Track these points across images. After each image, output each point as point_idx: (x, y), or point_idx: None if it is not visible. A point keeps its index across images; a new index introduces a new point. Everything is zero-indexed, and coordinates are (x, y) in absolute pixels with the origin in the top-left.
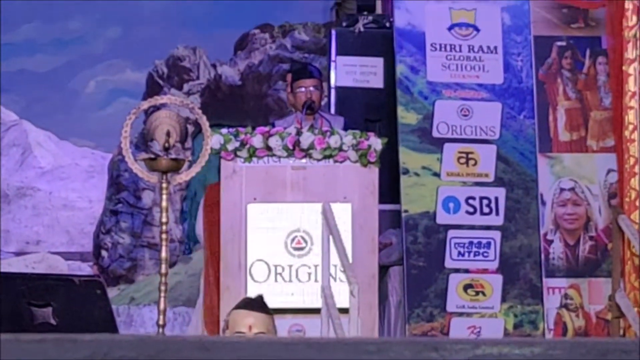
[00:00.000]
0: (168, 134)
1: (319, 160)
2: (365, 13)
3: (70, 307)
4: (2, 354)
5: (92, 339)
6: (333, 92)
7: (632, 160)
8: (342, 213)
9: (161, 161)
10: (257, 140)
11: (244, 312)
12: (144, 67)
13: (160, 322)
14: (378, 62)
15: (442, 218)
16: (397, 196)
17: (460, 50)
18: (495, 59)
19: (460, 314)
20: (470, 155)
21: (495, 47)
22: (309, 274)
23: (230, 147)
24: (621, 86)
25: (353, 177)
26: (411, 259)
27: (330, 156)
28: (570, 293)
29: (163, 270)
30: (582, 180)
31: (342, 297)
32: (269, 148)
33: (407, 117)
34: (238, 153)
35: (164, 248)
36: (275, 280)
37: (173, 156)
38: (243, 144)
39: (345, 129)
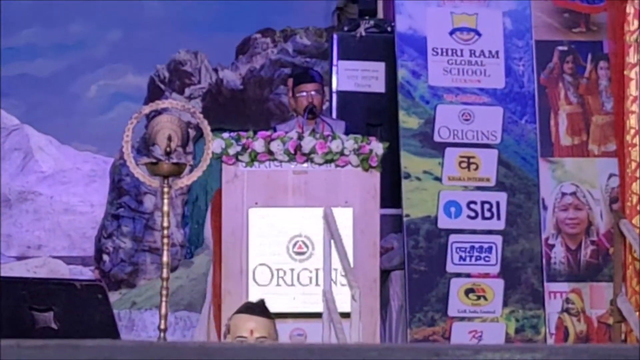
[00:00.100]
0: (169, 139)
1: (320, 164)
2: (366, 18)
3: (71, 312)
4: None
5: (94, 345)
6: (334, 96)
7: (633, 165)
8: (344, 217)
9: (163, 165)
10: (258, 145)
11: (246, 317)
12: (145, 71)
13: (162, 327)
14: (379, 67)
15: (444, 222)
16: (398, 200)
17: (462, 55)
18: (497, 63)
19: (462, 319)
20: (471, 160)
21: (497, 52)
22: (310, 278)
23: (231, 151)
24: (623, 90)
25: (354, 181)
26: (412, 263)
27: (331, 160)
28: (572, 297)
29: (164, 275)
30: (583, 184)
31: (343, 301)
32: (270, 152)
33: (408, 121)
34: (239, 157)
35: (165, 252)
36: (278, 284)
37: (174, 160)
38: (244, 149)
39: (347, 133)
